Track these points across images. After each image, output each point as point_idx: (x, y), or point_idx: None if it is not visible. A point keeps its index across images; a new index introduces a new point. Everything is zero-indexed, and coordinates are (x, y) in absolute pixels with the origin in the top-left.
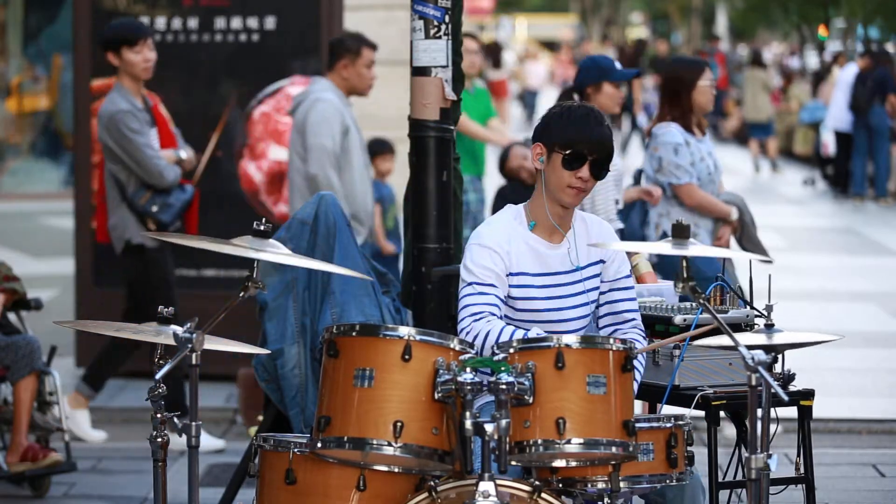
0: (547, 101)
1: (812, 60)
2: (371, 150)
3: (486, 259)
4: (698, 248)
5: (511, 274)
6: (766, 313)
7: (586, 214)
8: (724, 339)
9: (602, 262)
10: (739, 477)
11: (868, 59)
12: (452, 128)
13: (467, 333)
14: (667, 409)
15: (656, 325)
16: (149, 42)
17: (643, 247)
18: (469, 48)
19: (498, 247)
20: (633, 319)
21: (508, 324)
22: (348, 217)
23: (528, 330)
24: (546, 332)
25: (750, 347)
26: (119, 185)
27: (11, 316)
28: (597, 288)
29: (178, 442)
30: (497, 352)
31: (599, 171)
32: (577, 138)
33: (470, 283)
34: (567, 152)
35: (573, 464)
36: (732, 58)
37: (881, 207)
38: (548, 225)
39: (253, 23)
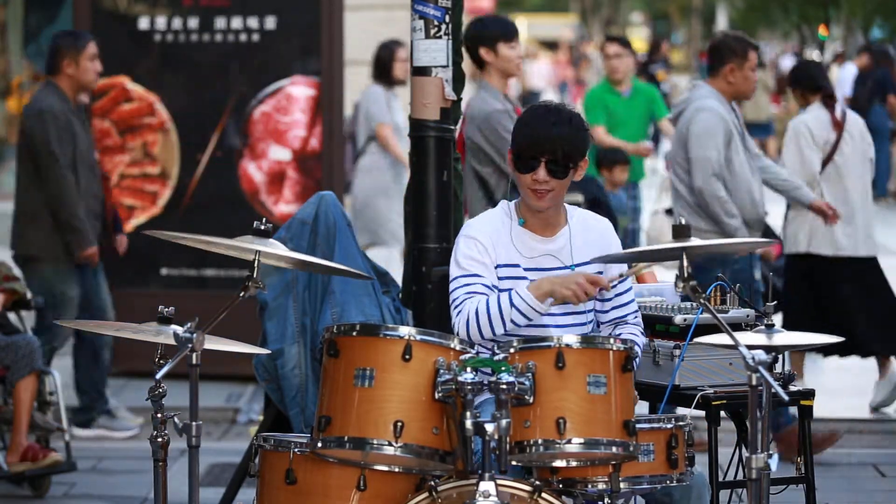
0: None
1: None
2: (606, 159)
3: (470, 249)
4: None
5: (499, 266)
6: (766, 313)
7: (588, 214)
8: (724, 339)
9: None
10: (740, 477)
11: (868, 59)
12: (453, 128)
13: (458, 328)
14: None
15: (656, 324)
16: (519, 39)
17: (645, 254)
18: (609, 53)
19: (483, 236)
20: (636, 318)
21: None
22: (348, 218)
23: (511, 291)
24: (543, 331)
25: (750, 347)
26: (485, 187)
27: (11, 316)
28: None
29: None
30: (497, 351)
31: (558, 170)
32: (528, 141)
33: (456, 278)
34: (520, 156)
35: (573, 464)
36: None
37: (881, 207)
38: (536, 222)
39: (253, 23)
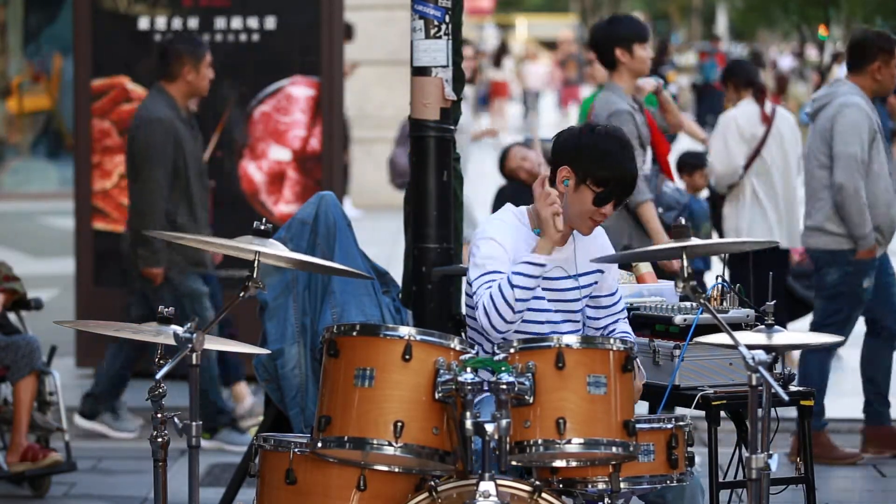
0: (546, 102)
1: (813, 55)
2: (687, 164)
3: (491, 249)
4: (699, 247)
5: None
6: (765, 313)
7: None
8: (724, 339)
9: (600, 272)
10: (739, 477)
11: None
12: (453, 128)
13: (481, 321)
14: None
15: (656, 325)
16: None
17: (644, 254)
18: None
19: (501, 239)
20: (625, 323)
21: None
22: (348, 218)
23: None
24: (544, 331)
25: (750, 347)
26: None
27: (11, 316)
28: (594, 292)
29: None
30: (497, 351)
31: (620, 203)
32: (612, 178)
33: (477, 279)
34: (599, 190)
35: (573, 464)
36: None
37: None
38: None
39: (253, 23)
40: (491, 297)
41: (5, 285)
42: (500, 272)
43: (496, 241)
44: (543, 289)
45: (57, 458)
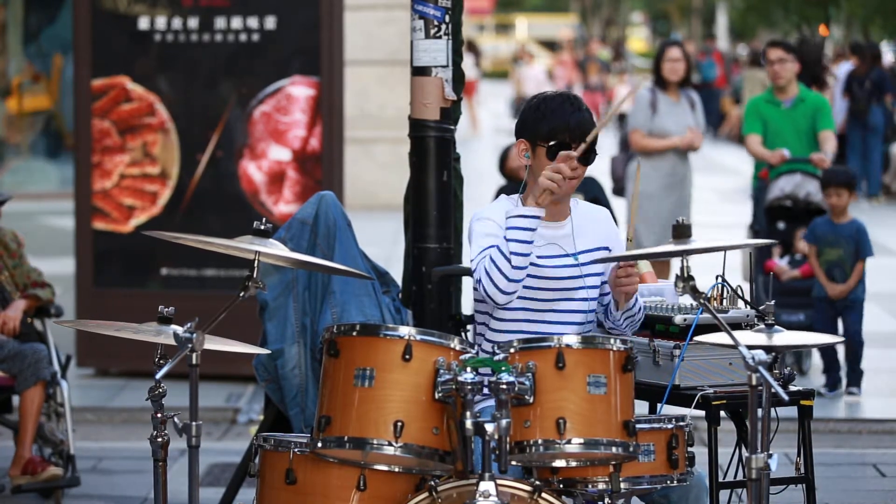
0: None
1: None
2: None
3: (486, 227)
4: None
5: None
6: (765, 313)
7: (589, 205)
8: (724, 339)
9: (606, 248)
10: (739, 477)
11: (859, 60)
12: (453, 128)
13: (483, 290)
14: (666, 410)
15: (656, 324)
16: None
17: (643, 252)
18: (771, 57)
19: (497, 217)
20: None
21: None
22: (348, 218)
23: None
24: (545, 330)
25: (750, 347)
26: None
27: (37, 323)
28: (600, 274)
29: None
30: (497, 351)
31: (586, 156)
32: (556, 128)
33: (475, 257)
34: (550, 144)
35: (573, 464)
36: (732, 58)
37: (875, 207)
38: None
39: (253, 23)
40: (491, 258)
41: (30, 291)
42: (495, 247)
43: (491, 220)
44: (540, 277)
45: (55, 472)
